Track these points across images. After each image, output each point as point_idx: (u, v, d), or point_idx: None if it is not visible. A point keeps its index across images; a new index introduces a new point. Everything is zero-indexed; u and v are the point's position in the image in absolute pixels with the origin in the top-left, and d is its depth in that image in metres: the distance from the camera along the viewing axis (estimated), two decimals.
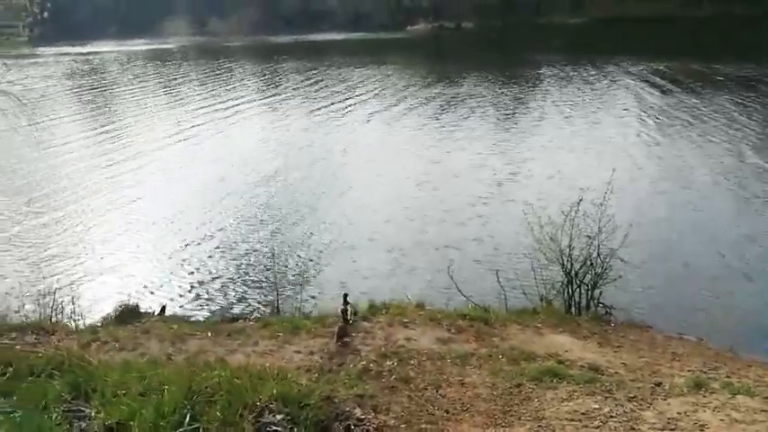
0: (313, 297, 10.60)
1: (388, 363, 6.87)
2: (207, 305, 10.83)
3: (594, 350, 7.72)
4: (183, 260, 12.82)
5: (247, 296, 11.21)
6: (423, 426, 5.24)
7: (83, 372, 4.21)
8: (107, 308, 9.95)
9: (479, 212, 14.48)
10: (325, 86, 36.70)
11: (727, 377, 6.86)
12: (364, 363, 6.87)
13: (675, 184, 16.08)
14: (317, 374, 6.49)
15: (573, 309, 9.63)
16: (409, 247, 12.72)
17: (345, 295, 7.89)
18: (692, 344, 8.72)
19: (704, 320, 9.82)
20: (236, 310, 10.64)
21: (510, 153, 19.85)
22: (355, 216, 14.69)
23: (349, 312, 7.77)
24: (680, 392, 5.26)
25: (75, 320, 9.24)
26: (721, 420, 4.10)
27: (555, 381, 6.26)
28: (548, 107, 27.14)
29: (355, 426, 5.21)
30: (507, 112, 26.94)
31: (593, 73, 36.97)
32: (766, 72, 32.68)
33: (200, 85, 41.05)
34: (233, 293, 11.34)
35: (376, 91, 34.16)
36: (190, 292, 11.38)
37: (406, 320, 8.12)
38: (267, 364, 5.87)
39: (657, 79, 33.31)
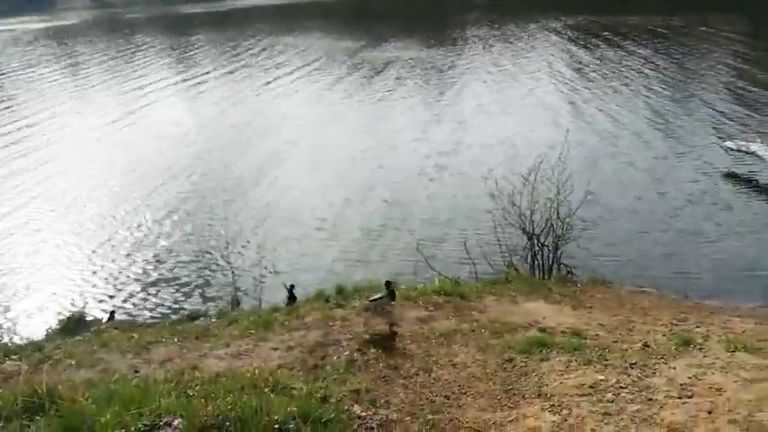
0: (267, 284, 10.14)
1: (372, 350, 6.61)
2: (159, 306, 10.15)
3: (570, 314, 7.81)
4: (120, 261, 11.90)
5: (200, 291, 10.59)
6: (428, 417, 5.03)
7: (67, 411, 3.63)
8: (47, 320, 9.06)
9: (430, 185, 14.33)
10: (249, 58, 34.99)
11: (697, 327, 7.15)
12: (348, 353, 6.59)
13: (615, 142, 16.51)
14: (301, 371, 6.15)
15: (537, 272, 9.77)
16: (363, 226, 12.41)
17: (388, 282, 7.39)
18: (655, 296, 9.07)
19: (658, 271, 10.25)
20: (191, 307, 10.03)
21: (448, 119, 19.69)
22: (301, 198, 14.16)
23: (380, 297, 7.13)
24: (674, 353, 5.35)
25: (10, 337, 8.37)
26: (735, 382, 4.15)
27: (544, 351, 6.22)
28: (479, 69, 27.12)
29: (358, 426, 4.95)
30: (439, 75, 26.72)
31: (517, 31, 37.37)
32: (671, 23, 34.26)
33: (108, 66, 38.05)
34: (184, 290, 10.67)
35: (303, 61, 32.93)
36: (137, 293, 10.59)
37: None
38: (254, 369, 5.45)
39: (578, 34, 34.18)
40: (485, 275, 9.36)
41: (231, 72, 30.20)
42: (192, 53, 37.85)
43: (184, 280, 10.97)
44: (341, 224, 12.53)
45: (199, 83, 28.21)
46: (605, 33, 32.79)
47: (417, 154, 16.27)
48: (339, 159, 16.50)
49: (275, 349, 6.83)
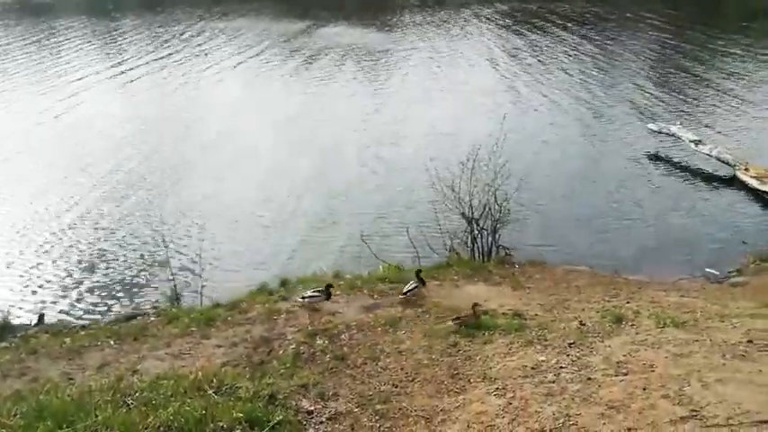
0: (213, 280, 9.86)
1: (318, 342, 6.60)
2: (93, 307, 9.65)
3: (510, 295, 8.07)
4: (49, 262, 11.22)
5: (138, 290, 10.16)
6: (377, 407, 5.08)
7: None
8: None
9: (370, 175, 14.16)
10: (180, 44, 33.53)
11: (627, 302, 7.55)
12: (294, 346, 6.53)
13: (548, 127, 16.96)
14: (247, 368, 6.05)
15: (478, 255, 10.00)
16: (305, 218, 12.20)
17: (418, 271, 7.79)
18: (587, 274, 9.47)
19: (589, 249, 10.71)
20: (128, 306, 9.60)
21: (388, 107, 19.57)
22: (239, 191, 13.70)
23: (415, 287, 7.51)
24: (609, 331, 5.63)
25: None
26: (665, 358, 4.41)
27: (487, 333, 6.41)
28: (416, 56, 27.14)
29: (307, 421, 4.93)
30: (377, 62, 26.59)
31: (453, 17, 37.69)
32: (598, 11, 35.61)
33: (28, 53, 35.48)
34: (120, 289, 10.20)
35: (236, 47, 31.92)
36: (69, 294, 10.04)
37: None
38: (197, 369, 5.31)
39: (511, 20, 34.90)
40: (428, 261, 9.47)
41: (163, 58, 28.80)
42: (120, 38, 35.80)
43: (120, 278, 10.48)
44: (281, 217, 12.30)
45: (128, 69, 26.67)
46: (536, 20, 33.61)
47: (357, 144, 16.11)
48: (278, 150, 16.11)
49: (219, 346, 6.68)
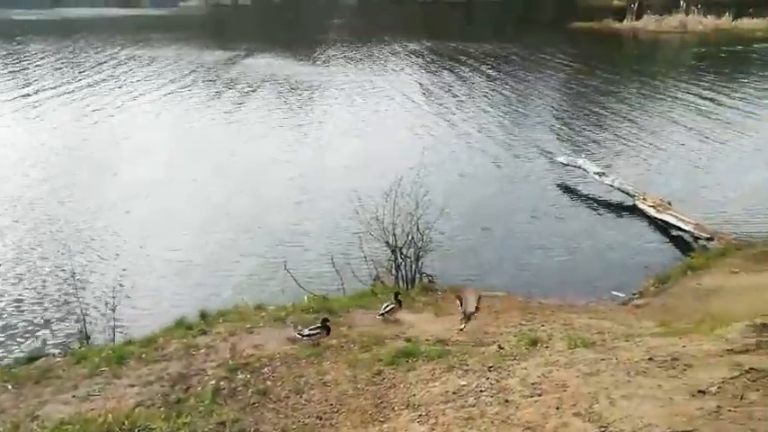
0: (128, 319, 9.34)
1: (240, 376, 6.40)
2: None
3: (433, 321, 8.23)
4: None
5: (42, 329, 9.41)
6: None
7: None
8: None
9: (295, 207, 13.98)
10: (96, 74, 32.08)
11: (542, 325, 7.92)
12: (214, 382, 6.30)
13: (468, 159, 17.66)
14: (162, 407, 5.76)
15: (402, 282, 10.16)
16: (226, 251, 11.83)
17: (396, 293, 8.20)
18: (505, 299, 9.84)
19: (507, 274, 11.17)
20: (32, 346, 8.87)
21: (313, 139, 19.60)
22: (155, 224, 13.06)
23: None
24: (525, 353, 5.87)
25: None
26: (577, 377, 4.65)
27: (410, 361, 6.48)
28: (341, 89, 27.57)
29: None
30: (302, 94, 26.74)
31: (377, 53, 38.72)
32: (512, 50, 37.91)
33: None
34: (22, 329, 9.40)
35: (156, 75, 31.09)
36: None
37: (249, 326, 7.66)
38: (106, 412, 4.98)
39: (433, 57, 36.39)
40: (353, 290, 9.50)
41: (81, 88, 27.43)
42: (31, 66, 33.81)
43: (21, 318, 9.68)
44: (201, 250, 11.88)
45: (39, 101, 25.09)
46: (454, 59, 35.26)
47: (281, 175, 15.97)
48: (197, 181, 15.64)
49: (132, 386, 6.32)
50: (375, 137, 19.85)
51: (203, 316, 8.13)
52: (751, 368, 4.49)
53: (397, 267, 10.20)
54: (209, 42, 44.41)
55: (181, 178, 15.83)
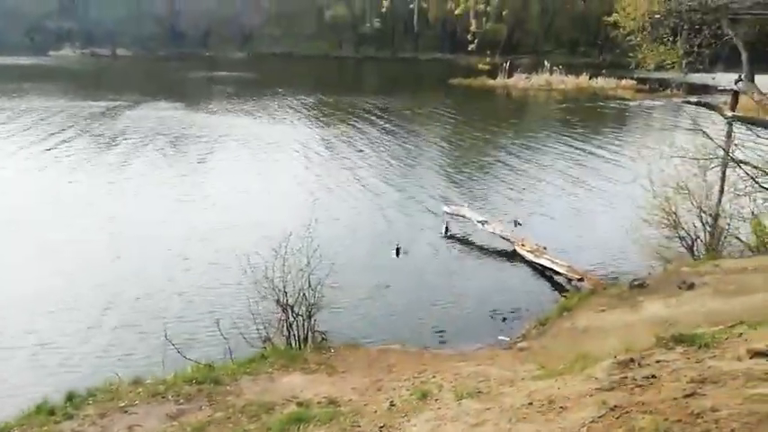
0: None
1: None
2: None
3: (326, 382, 8.05)
4: None
5: None
6: None
7: None
8: None
9: (179, 272, 13.14)
10: None
11: (433, 377, 8.03)
12: None
13: (358, 212, 17.94)
14: None
15: (294, 342, 9.88)
16: (97, 325, 10.82)
17: None
18: (399, 352, 9.89)
19: (401, 327, 11.27)
20: None
21: (199, 198, 18.77)
22: (15, 302, 11.64)
23: None
24: (414, 408, 5.90)
25: None
26: (463, 430, 4.73)
27: (302, 427, 6.26)
28: (227, 143, 27.10)
29: None
30: (187, 149, 25.94)
31: (262, 107, 38.73)
32: (400, 104, 39.75)
33: None
34: None
35: (26, 127, 28.76)
36: None
37: (123, 404, 7.01)
38: None
39: (317, 111, 37.12)
40: (242, 354, 9.07)
41: None
42: None
43: None
44: (69, 324, 10.77)
45: None
46: (343, 112, 36.28)
47: (166, 238, 14.95)
48: (69, 247, 14.26)
49: None
50: (266, 192, 19.59)
51: (70, 397, 7.33)
52: (615, 405, 4.82)
53: (289, 326, 9.93)
54: (90, 93, 42.14)
55: (50, 245, 14.38)
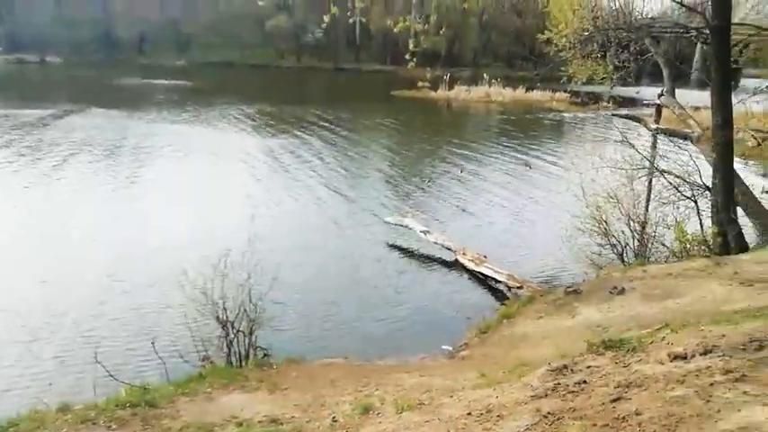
0: None
1: None
2: None
3: (267, 400, 7.89)
4: None
5: None
6: None
7: None
8: None
9: (109, 292, 12.50)
10: None
11: (376, 390, 8.03)
12: None
13: (299, 225, 17.76)
14: None
15: (234, 360, 9.65)
16: (20, 349, 10.26)
17: None
18: (342, 365, 9.85)
19: (344, 340, 11.23)
20: None
21: (132, 212, 18.05)
22: None
23: None
24: (356, 423, 5.87)
25: None
26: None
27: None
28: (167, 154, 26.36)
29: None
30: (119, 164, 24.97)
31: (206, 115, 37.89)
32: (345, 115, 39.83)
33: None
34: None
35: None
36: None
37: None
38: None
39: (259, 121, 36.66)
40: (179, 374, 8.76)
41: None
42: None
43: None
44: None
45: None
46: (286, 123, 35.98)
47: (97, 258, 14.18)
48: None
49: None
50: (206, 206, 19.09)
51: None
52: (549, 412, 4.97)
53: (229, 344, 9.69)
54: (15, 102, 39.86)
55: None
